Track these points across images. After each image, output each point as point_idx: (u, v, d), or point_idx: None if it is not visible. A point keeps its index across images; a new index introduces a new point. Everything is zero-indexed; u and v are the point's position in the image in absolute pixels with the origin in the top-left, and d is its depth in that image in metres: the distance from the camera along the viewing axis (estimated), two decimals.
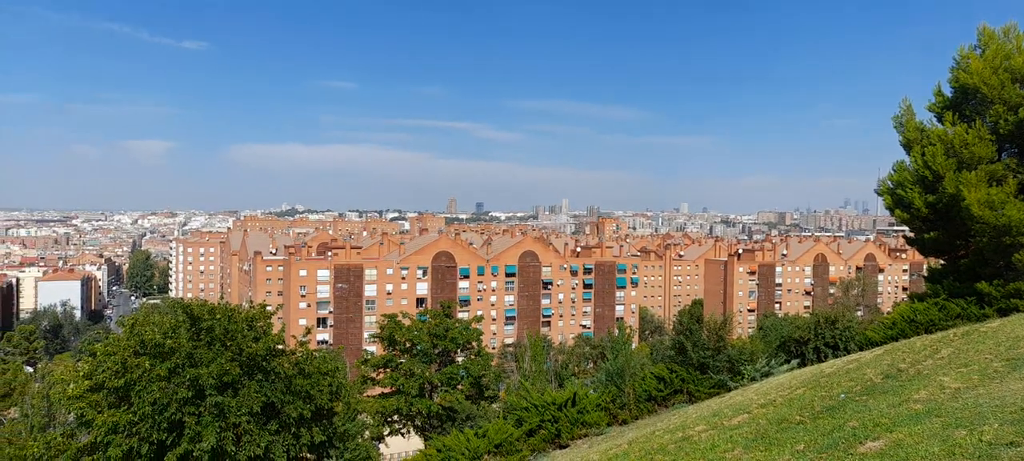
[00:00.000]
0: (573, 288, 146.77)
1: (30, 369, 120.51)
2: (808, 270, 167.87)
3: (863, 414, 11.28)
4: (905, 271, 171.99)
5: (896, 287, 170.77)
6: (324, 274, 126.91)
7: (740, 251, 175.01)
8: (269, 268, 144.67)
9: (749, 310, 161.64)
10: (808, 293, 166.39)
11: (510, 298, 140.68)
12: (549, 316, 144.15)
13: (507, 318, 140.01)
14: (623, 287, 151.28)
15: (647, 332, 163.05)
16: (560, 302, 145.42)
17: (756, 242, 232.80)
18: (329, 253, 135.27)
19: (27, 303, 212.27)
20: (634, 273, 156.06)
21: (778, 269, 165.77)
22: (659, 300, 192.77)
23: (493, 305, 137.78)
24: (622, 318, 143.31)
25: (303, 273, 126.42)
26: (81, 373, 24.84)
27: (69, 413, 38.38)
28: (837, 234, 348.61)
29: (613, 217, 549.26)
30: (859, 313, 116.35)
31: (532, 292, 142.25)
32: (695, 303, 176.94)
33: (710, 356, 30.05)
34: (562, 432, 23.39)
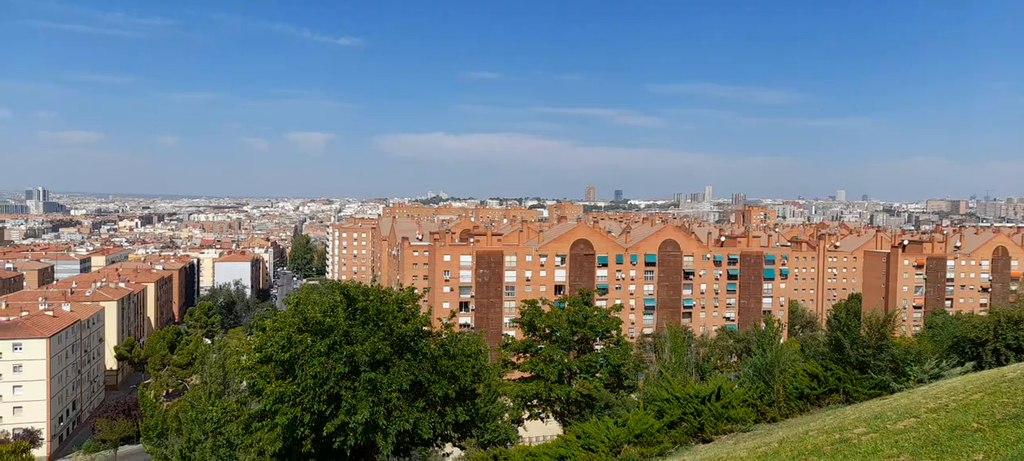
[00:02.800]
0: (716, 279, 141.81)
1: (208, 341, 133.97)
2: (985, 265, 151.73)
3: None
4: None
5: None
6: (466, 260, 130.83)
7: (905, 242, 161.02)
8: (415, 253, 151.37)
9: (915, 307, 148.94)
10: (985, 290, 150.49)
11: (649, 287, 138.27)
12: (690, 307, 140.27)
13: (646, 307, 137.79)
14: (771, 279, 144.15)
15: (797, 327, 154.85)
16: (702, 293, 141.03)
17: (924, 233, 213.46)
18: (471, 240, 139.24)
19: (206, 281, 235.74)
20: (783, 264, 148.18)
21: (949, 263, 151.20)
22: (810, 293, 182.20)
23: (632, 294, 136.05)
24: (769, 311, 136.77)
25: (447, 259, 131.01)
26: (252, 346, 27.30)
27: (242, 382, 42.28)
28: (1021, 225, 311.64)
29: (760, 205, 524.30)
30: None
31: (672, 282, 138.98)
32: (852, 298, 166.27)
33: (870, 355, 27.96)
34: (705, 426, 22.68)
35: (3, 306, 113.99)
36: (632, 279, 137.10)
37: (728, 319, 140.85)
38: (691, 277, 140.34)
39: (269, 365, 25.20)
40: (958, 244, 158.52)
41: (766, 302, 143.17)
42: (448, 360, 26.78)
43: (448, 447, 34.24)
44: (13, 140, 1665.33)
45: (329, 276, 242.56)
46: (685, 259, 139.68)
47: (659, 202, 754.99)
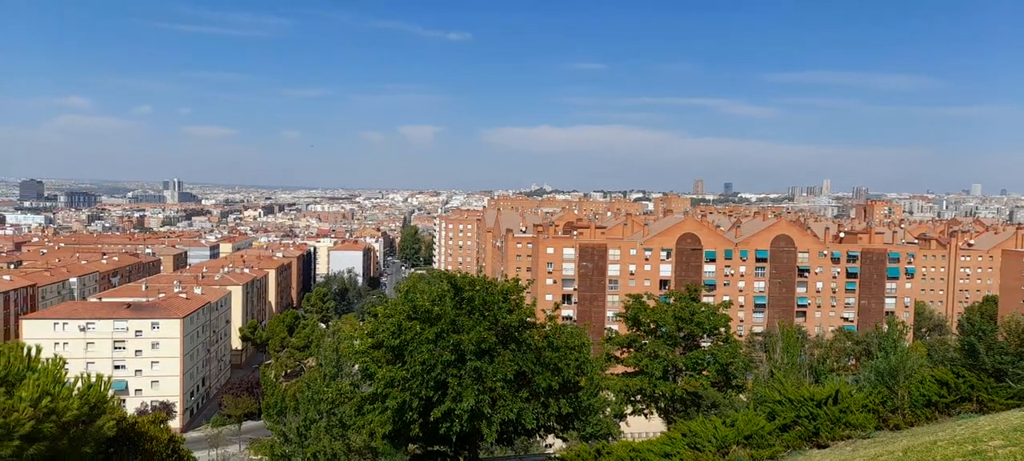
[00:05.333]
0: (833, 277, 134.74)
1: (323, 325, 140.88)
2: None
3: None
4: None
5: None
6: (569, 253, 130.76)
7: None
8: (519, 245, 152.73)
9: None
10: None
11: (760, 284, 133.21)
12: (804, 306, 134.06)
13: (756, 305, 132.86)
14: (895, 278, 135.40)
15: (923, 330, 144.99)
16: (817, 291, 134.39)
17: None
18: (574, 232, 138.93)
19: (321, 268, 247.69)
20: (909, 263, 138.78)
21: None
22: (939, 295, 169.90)
23: (741, 291, 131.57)
24: (892, 312, 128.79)
25: (550, 251, 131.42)
26: (365, 332, 28.41)
27: (354, 365, 44.14)
28: None
29: (884, 199, 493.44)
30: None
31: (785, 279, 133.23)
32: (987, 300, 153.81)
33: (1010, 362, 25.67)
34: (821, 431, 21.62)
35: (144, 288, 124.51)
36: (742, 275, 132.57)
37: (846, 320, 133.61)
38: (806, 274, 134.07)
39: (380, 350, 26.16)
40: None
41: (889, 303, 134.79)
42: (552, 352, 26.87)
43: (550, 438, 34.40)
44: (154, 135, 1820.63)
45: (436, 266, 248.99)
46: (800, 255, 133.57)
47: (772, 196, 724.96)
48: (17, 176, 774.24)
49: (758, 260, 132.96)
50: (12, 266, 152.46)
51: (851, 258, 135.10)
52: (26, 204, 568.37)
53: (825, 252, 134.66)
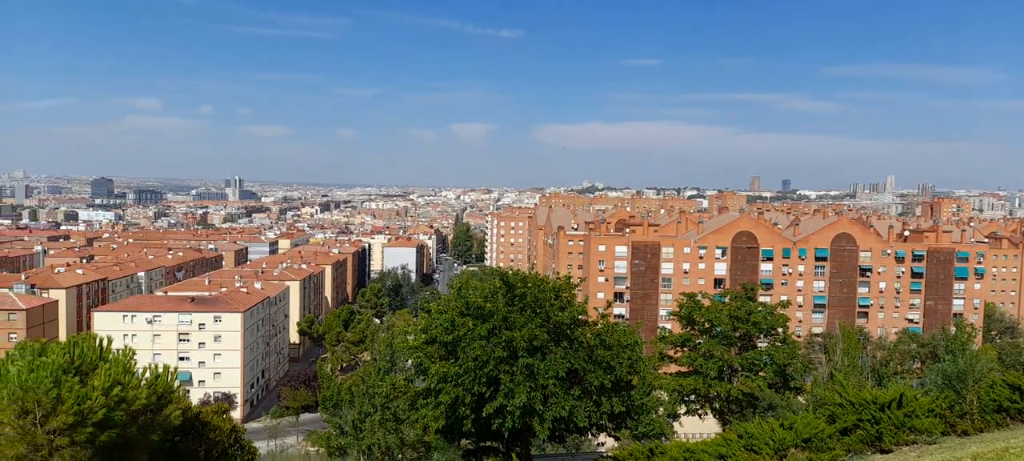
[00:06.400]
0: (897, 277, 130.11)
1: (377, 320, 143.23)
2: None
3: None
4: None
5: None
6: (621, 250, 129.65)
7: None
8: (570, 243, 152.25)
9: None
10: None
11: (819, 284, 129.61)
12: (866, 306, 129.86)
13: (815, 305, 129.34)
14: (963, 278, 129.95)
15: (994, 333, 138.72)
16: (880, 292, 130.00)
17: None
18: (627, 230, 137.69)
19: (375, 265, 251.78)
20: (979, 263, 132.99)
21: None
22: (1011, 296, 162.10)
23: (799, 290, 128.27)
24: (960, 314, 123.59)
25: (602, 248, 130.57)
26: (418, 327, 28.81)
27: (407, 360, 44.78)
28: None
29: (953, 197, 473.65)
30: None
31: (846, 279, 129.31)
32: None
33: None
34: (884, 435, 20.93)
35: (206, 283, 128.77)
36: (800, 274, 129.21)
37: (910, 321, 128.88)
38: (868, 274, 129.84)
39: (433, 346, 26.47)
40: None
41: (957, 304, 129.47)
42: (604, 350, 26.72)
43: (602, 437, 34.24)
44: (216, 134, 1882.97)
45: (487, 263, 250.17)
46: (861, 254, 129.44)
47: (832, 193, 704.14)
48: (90, 174, 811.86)
49: (817, 259, 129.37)
50: (85, 261, 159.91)
51: (917, 257, 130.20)
52: (98, 201, 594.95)
53: (889, 251, 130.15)
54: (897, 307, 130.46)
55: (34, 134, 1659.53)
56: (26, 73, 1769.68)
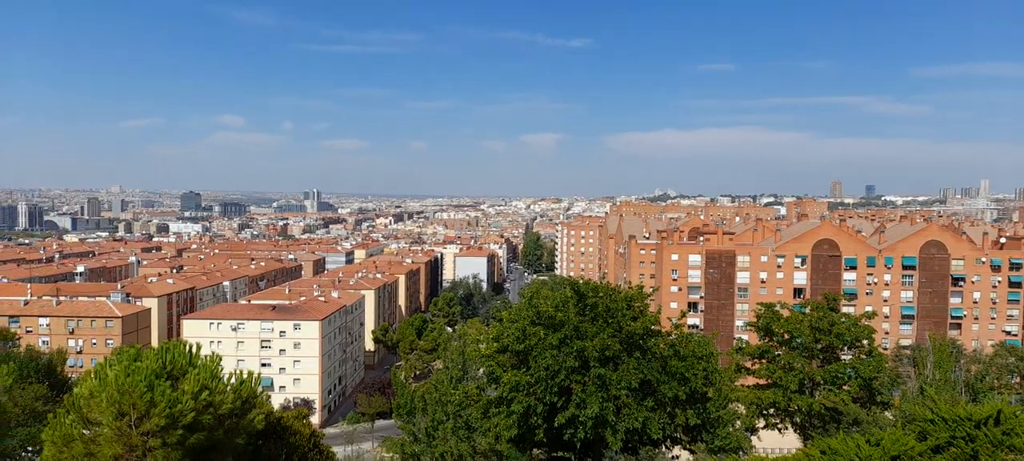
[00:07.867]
0: (994, 286, 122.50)
1: (450, 329, 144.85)
2: None
3: None
4: None
5: None
6: (695, 259, 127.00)
7: None
8: (642, 252, 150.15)
9: None
10: None
11: (907, 294, 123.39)
12: (959, 318, 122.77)
13: (903, 316, 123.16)
14: None
15: None
16: (975, 302, 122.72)
17: None
18: (701, 238, 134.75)
19: (447, 274, 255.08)
20: None
21: None
22: None
23: (885, 301, 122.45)
24: None
25: (675, 257, 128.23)
26: (490, 336, 28.99)
27: (479, 369, 45.13)
28: None
29: None
30: None
31: (937, 288, 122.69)
32: None
33: None
34: (980, 453, 19.75)
35: (287, 292, 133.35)
36: (886, 284, 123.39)
37: (1009, 333, 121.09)
38: (961, 283, 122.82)
39: (505, 355, 26.58)
40: None
41: None
42: (678, 361, 26.23)
43: (677, 450, 33.52)
44: (295, 148, 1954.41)
45: (558, 272, 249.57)
46: (953, 263, 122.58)
47: (920, 199, 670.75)
48: (179, 188, 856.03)
49: (905, 268, 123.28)
50: (175, 271, 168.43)
51: (1014, 266, 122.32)
52: (186, 214, 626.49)
53: (983, 259, 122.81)
54: (993, 318, 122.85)
55: (129, 152, 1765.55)
56: (121, 96, 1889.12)
